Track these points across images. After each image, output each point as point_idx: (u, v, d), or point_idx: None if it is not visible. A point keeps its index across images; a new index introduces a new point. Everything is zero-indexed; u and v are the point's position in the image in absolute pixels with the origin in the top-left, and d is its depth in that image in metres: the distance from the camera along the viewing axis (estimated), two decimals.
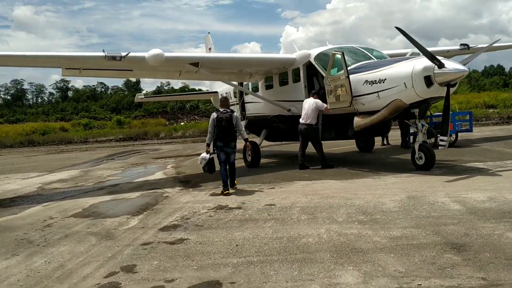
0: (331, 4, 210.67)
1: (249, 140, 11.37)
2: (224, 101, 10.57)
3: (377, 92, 10.46)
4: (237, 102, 17.42)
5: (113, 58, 11.01)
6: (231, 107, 14.48)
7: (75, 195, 10.76)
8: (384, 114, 10.49)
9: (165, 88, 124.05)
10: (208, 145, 10.27)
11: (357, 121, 11.06)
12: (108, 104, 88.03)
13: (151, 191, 10.69)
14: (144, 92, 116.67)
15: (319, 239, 5.60)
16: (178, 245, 5.78)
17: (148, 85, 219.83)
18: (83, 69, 11.97)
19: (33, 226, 7.61)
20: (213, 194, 9.61)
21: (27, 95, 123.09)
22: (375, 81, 10.48)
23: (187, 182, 11.82)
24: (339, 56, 11.09)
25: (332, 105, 11.55)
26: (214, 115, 9.99)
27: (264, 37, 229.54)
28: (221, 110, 10.10)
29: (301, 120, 12.28)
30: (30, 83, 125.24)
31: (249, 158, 13.90)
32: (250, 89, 15.97)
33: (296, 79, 13.26)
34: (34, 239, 6.66)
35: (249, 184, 10.52)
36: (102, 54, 10.97)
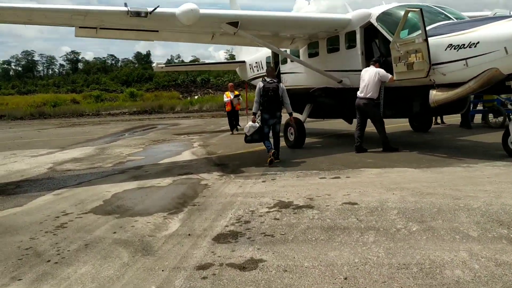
0: None
1: (293, 117, 10.88)
2: (270, 71, 10.37)
3: (465, 59, 8.40)
4: None
5: (137, 14, 9.02)
6: (259, 79, 12.73)
7: (93, 180, 8.95)
8: (473, 87, 8.44)
9: (175, 61, 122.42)
10: (255, 114, 10.01)
11: (435, 95, 9.01)
12: (119, 77, 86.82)
13: (184, 176, 8.84)
14: (154, 64, 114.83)
15: (470, 271, 3.70)
16: (254, 273, 3.92)
17: (158, 57, 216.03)
18: (100, 28, 10.00)
19: (42, 226, 5.82)
20: (263, 183, 7.72)
21: (38, 67, 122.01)
22: (463, 45, 8.40)
23: (224, 166, 9.94)
24: (415, 14, 8.99)
25: (400, 75, 9.50)
26: (260, 84, 9.76)
27: (275, 10, 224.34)
28: (267, 79, 9.87)
29: (359, 94, 10.27)
30: (41, 54, 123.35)
31: (291, 137, 11.96)
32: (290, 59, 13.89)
33: (351, 45, 11.18)
34: (43, 250, 4.85)
35: (304, 171, 8.60)
36: (124, 9, 8.98)
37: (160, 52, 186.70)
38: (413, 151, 10.09)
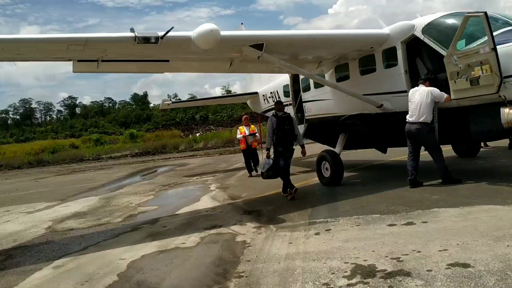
0: (333, 8, 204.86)
1: (327, 149, 10.85)
2: (280, 105, 10.15)
3: None
4: (290, 102, 13.91)
5: (147, 40, 7.58)
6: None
7: (101, 242, 7.29)
8: None
9: (172, 100, 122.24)
10: (268, 150, 9.68)
11: (508, 114, 7.48)
12: (117, 119, 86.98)
13: (213, 231, 7.20)
14: (151, 105, 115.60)
15: None
16: None
17: (155, 98, 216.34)
18: (102, 60, 8.55)
19: None
20: (318, 236, 6.08)
21: (36, 114, 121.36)
22: None
23: (257, 213, 8.31)
24: (476, 19, 7.57)
25: (461, 93, 8.02)
26: (273, 118, 9.50)
27: None
28: (279, 113, 9.63)
29: (409, 118, 8.75)
30: (38, 101, 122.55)
31: (326, 173, 10.37)
32: (312, 84, 12.45)
33: (390, 63, 9.73)
34: None
35: (361, 216, 6.96)
36: (130, 35, 7.54)
37: (157, 92, 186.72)
38: (480, 182, 8.48)
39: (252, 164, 14.38)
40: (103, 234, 7.93)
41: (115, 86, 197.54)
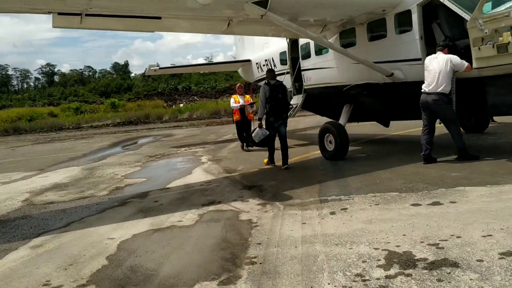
0: None
1: (331, 121, 10.26)
2: (272, 73, 9.75)
3: None
4: (287, 70, 13.05)
5: None
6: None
7: (85, 218, 6.50)
8: None
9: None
10: (260, 119, 9.46)
11: None
12: (97, 88, 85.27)
13: (212, 207, 6.46)
14: (132, 75, 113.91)
15: None
16: None
17: (136, 67, 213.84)
18: (86, 14, 7.54)
19: None
20: (334, 216, 5.38)
21: (12, 81, 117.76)
22: None
23: (257, 187, 7.60)
24: None
25: (486, 61, 7.31)
26: (265, 87, 9.25)
27: None
28: (271, 81, 9.35)
29: (425, 88, 8.03)
30: (15, 68, 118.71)
31: (330, 146, 9.66)
32: (313, 51, 11.61)
33: (404, 29, 8.94)
34: None
35: (378, 194, 6.28)
36: None
37: (138, 62, 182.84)
38: (499, 159, 7.86)
39: (245, 136, 13.04)
40: (87, 208, 7.12)
41: (95, 55, 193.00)
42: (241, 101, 12.78)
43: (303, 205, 6.11)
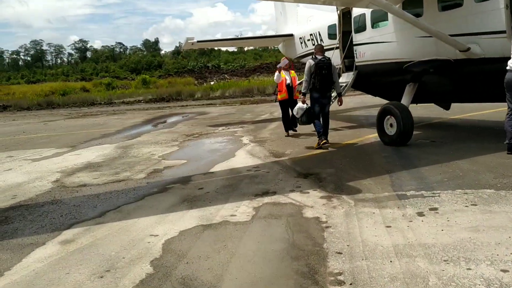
0: None
1: (392, 102, 9.21)
2: (321, 48, 9.31)
3: None
4: (336, 45, 11.89)
5: None
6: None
7: (122, 207, 5.68)
8: None
9: (183, 48, 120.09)
10: (304, 94, 9.11)
11: None
12: (127, 65, 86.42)
13: (267, 199, 5.56)
14: (163, 52, 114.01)
15: None
16: None
17: (166, 45, 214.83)
18: None
19: None
20: (425, 218, 4.37)
21: (47, 56, 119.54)
22: None
23: (314, 176, 6.65)
24: None
25: None
26: (311, 62, 8.93)
27: None
28: (319, 57, 8.96)
29: (511, 65, 6.82)
30: (49, 43, 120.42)
31: (391, 130, 8.57)
32: (368, 23, 10.41)
33: None
34: None
35: (469, 191, 5.23)
36: None
37: (167, 39, 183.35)
38: None
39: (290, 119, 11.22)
40: (124, 194, 6.30)
41: (126, 32, 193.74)
42: (288, 79, 11.15)
43: (378, 201, 5.11)
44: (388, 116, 8.58)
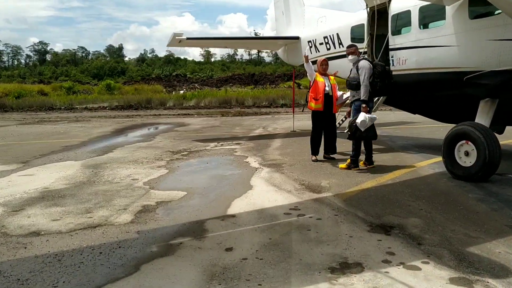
0: None
1: (468, 122, 6.89)
2: (355, 48, 7.83)
3: None
4: (364, 49, 9.77)
5: None
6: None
7: None
8: None
9: (148, 55, 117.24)
10: (367, 102, 7.30)
11: None
12: (90, 70, 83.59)
13: (355, 278, 3.29)
14: (126, 59, 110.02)
15: None
16: None
17: (131, 52, 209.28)
18: None
19: None
20: None
21: (3, 57, 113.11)
22: None
23: (396, 229, 4.44)
24: None
25: None
26: (367, 63, 7.39)
27: (250, 8, 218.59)
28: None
29: None
30: (6, 44, 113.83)
31: (467, 160, 6.44)
32: (415, 22, 8.34)
33: None
34: None
35: None
36: None
37: (132, 46, 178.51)
38: None
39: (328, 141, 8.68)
40: (105, 258, 3.81)
41: (89, 36, 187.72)
42: (327, 85, 8.43)
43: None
44: (463, 142, 6.44)
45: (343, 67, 9.81)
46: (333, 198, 5.70)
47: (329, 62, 9.36)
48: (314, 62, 11.94)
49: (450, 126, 7.15)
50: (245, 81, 61.62)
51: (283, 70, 69.01)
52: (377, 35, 9.55)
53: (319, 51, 11.89)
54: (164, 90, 51.43)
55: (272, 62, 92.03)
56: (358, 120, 7.18)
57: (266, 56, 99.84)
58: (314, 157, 8.49)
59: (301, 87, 46.65)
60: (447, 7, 7.68)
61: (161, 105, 29.91)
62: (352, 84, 7.62)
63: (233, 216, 5.03)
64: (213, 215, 5.05)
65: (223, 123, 17.51)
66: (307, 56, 8.83)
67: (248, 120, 18.59)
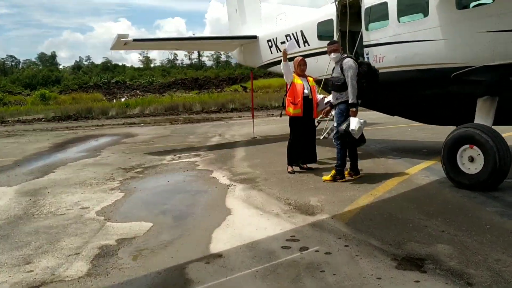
0: None
1: (472, 124, 6.08)
2: (336, 45, 6.90)
3: None
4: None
5: None
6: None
7: None
8: None
9: (84, 63, 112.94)
10: (356, 105, 6.43)
11: None
12: (21, 79, 79.22)
13: None
14: (61, 67, 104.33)
15: None
16: None
17: (65, 59, 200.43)
18: None
19: None
20: None
21: None
22: None
23: (432, 264, 3.57)
24: None
25: None
26: (352, 62, 6.49)
27: (189, 12, 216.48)
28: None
29: None
30: None
31: (472, 167, 5.73)
32: (393, 15, 7.63)
33: None
34: None
35: None
36: None
37: (66, 54, 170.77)
38: None
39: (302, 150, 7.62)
40: None
41: (19, 44, 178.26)
42: (306, 87, 7.42)
43: None
44: (467, 146, 5.72)
45: (310, 67, 8.95)
46: (332, 222, 4.77)
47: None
48: (274, 63, 11.11)
49: (424, 126, 6.50)
50: (188, 86, 60.26)
51: (226, 73, 68.24)
52: (348, 31, 8.82)
53: (280, 51, 10.99)
54: (105, 98, 49.11)
55: (214, 66, 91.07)
56: (353, 127, 6.33)
57: (207, 60, 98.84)
58: (291, 169, 7.53)
59: (247, 90, 46.00)
60: None
61: (102, 114, 28.06)
62: (336, 85, 6.75)
63: (219, 255, 3.97)
64: (194, 256, 3.97)
65: (174, 132, 16.24)
66: (286, 52, 7.75)
67: (201, 128, 17.42)
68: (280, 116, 8.64)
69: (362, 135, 6.48)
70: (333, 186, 6.39)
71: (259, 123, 15.54)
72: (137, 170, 8.64)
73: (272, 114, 22.90)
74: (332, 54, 6.80)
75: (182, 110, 28.23)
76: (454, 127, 6.52)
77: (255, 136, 13.02)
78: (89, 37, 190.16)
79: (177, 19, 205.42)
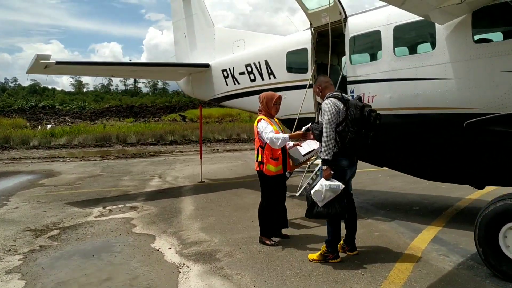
0: None
1: None
2: (329, 81, 5.21)
3: None
4: (302, 82, 7.47)
5: None
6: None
7: None
8: None
9: (10, 84, 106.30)
10: (330, 162, 4.68)
11: None
12: None
13: None
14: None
15: None
16: None
17: None
18: None
19: None
20: None
21: None
22: None
23: None
24: None
25: None
26: (337, 102, 4.81)
27: (126, 37, 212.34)
28: (338, 94, 4.90)
29: None
30: None
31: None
32: (391, 43, 6.22)
33: None
34: None
35: None
36: None
37: None
38: None
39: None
40: None
41: None
42: (279, 132, 5.62)
43: None
44: (510, 225, 4.20)
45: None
46: None
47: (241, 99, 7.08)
48: (235, 96, 9.45)
49: (395, 173, 4.98)
50: (123, 113, 57.01)
51: (162, 101, 65.77)
52: (323, 63, 7.33)
53: (238, 83, 9.35)
54: (28, 124, 44.87)
55: (150, 93, 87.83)
56: (312, 191, 4.73)
57: (143, 86, 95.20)
58: (268, 241, 5.67)
59: (186, 120, 43.91)
60: (438, 26, 5.66)
61: (23, 144, 24.91)
62: (315, 134, 5.09)
63: None
64: None
65: (106, 170, 13.93)
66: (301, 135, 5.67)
67: (137, 165, 15.19)
68: (288, 177, 6.33)
69: (338, 207, 4.68)
70: (326, 271, 4.66)
71: (205, 161, 13.68)
72: (51, 233, 6.46)
73: (217, 150, 21.09)
74: (317, 96, 5.23)
75: (115, 141, 25.74)
76: (457, 184, 5.10)
77: (202, 180, 11.12)
78: (18, 58, 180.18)
79: (114, 44, 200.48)
